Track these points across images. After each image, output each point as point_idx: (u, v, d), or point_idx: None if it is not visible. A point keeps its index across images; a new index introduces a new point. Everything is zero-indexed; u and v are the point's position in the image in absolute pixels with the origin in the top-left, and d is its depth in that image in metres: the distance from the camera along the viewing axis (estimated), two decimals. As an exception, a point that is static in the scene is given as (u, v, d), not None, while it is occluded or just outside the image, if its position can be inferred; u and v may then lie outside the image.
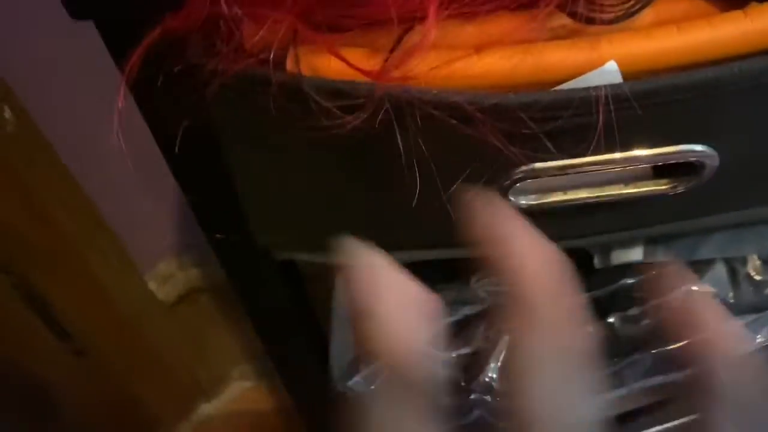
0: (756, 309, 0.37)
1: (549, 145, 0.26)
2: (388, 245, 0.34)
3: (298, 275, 0.45)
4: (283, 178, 0.32)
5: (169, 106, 0.29)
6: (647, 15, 0.27)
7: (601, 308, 0.40)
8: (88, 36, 0.28)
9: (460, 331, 0.41)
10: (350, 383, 0.41)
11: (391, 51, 0.26)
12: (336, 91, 0.26)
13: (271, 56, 0.26)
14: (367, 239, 0.35)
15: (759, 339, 0.37)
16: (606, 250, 0.39)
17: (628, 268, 0.39)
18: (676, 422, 0.41)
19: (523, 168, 0.28)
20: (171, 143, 0.30)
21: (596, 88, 0.24)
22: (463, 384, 0.39)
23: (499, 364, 0.40)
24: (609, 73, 0.24)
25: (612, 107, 0.25)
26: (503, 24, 0.26)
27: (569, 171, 0.28)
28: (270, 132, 0.30)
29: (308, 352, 0.49)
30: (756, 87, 0.27)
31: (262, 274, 0.42)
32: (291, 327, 0.47)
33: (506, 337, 0.41)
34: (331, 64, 0.26)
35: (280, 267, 0.40)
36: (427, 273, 0.42)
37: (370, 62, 0.26)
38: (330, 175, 0.31)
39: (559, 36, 0.26)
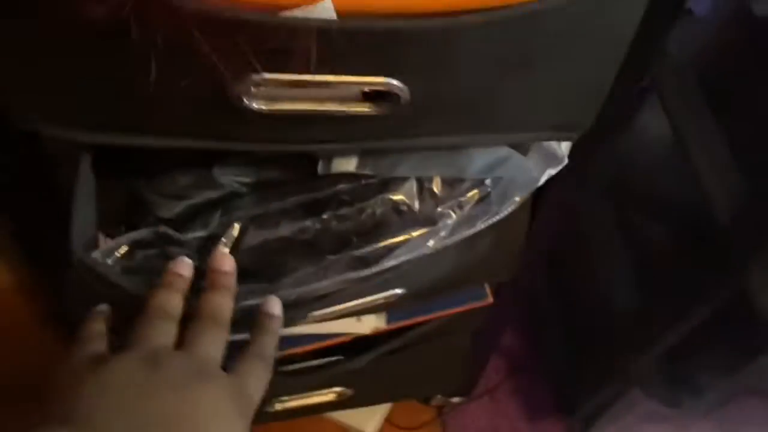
0: (431, 222, 0.47)
1: (271, 60, 0.32)
2: (140, 129, 0.38)
3: (39, 150, 0.46)
4: (42, 52, 0.35)
5: None
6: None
7: (319, 207, 0.47)
8: None
9: (197, 215, 0.47)
10: (91, 256, 0.44)
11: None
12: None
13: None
14: (122, 121, 0.38)
15: (429, 244, 0.47)
16: (328, 159, 0.47)
17: (345, 177, 0.47)
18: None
19: (256, 77, 0.34)
20: None
21: (307, 20, 0.30)
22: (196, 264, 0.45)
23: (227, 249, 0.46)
24: (324, 9, 0.31)
25: (322, 38, 0.31)
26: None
27: (293, 85, 0.35)
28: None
29: (49, 227, 0.50)
30: (439, 40, 0.35)
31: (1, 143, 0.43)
32: (31, 199, 0.49)
33: (237, 224, 0.47)
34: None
35: (22, 138, 0.42)
36: (176, 158, 0.46)
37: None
38: (84, 58, 0.35)
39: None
